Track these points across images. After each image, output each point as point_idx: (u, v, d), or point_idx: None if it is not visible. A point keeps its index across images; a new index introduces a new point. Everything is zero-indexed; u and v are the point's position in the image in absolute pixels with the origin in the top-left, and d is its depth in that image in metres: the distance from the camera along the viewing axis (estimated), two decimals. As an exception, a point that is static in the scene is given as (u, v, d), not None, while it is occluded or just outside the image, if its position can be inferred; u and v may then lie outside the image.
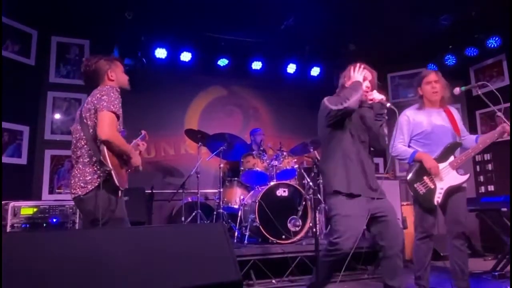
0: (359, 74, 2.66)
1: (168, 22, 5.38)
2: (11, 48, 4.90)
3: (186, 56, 5.85)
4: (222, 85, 6.59)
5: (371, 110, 2.69)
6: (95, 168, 2.39)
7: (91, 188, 2.37)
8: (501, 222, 4.26)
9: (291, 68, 6.38)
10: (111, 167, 2.33)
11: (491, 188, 5.83)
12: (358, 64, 2.73)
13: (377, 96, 2.60)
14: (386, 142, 2.71)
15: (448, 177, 2.99)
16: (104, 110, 2.33)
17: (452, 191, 2.99)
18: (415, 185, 3.03)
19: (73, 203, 4.88)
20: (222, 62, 6.05)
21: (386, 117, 2.60)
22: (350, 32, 5.88)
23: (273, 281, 3.87)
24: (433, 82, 3.12)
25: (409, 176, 3.07)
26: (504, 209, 4.17)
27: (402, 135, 3.18)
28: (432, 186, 2.99)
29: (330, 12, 5.27)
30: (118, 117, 2.41)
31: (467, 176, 3.02)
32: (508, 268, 4.00)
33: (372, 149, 2.74)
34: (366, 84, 2.66)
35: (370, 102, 2.64)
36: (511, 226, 3.97)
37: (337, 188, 2.54)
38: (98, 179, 2.36)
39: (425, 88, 3.16)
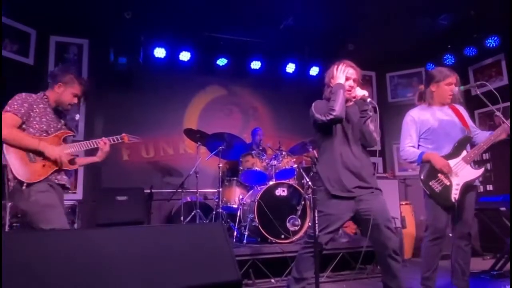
0: (342, 74, 2.68)
1: (167, 21, 5.38)
2: (10, 48, 4.90)
3: (185, 56, 5.85)
4: (221, 85, 6.59)
5: (356, 107, 2.70)
6: None
7: (12, 185, 2.53)
8: (500, 222, 4.27)
9: (290, 67, 6.38)
10: (7, 161, 2.48)
11: (489, 187, 5.85)
12: (341, 63, 2.73)
13: (359, 92, 2.62)
14: (376, 138, 2.65)
15: (463, 172, 2.94)
16: (2, 112, 2.55)
17: (467, 188, 2.95)
18: (430, 183, 2.95)
19: (72, 203, 4.93)
20: (221, 61, 6.05)
21: (371, 113, 2.59)
22: (349, 32, 5.89)
23: (272, 280, 3.87)
24: (453, 84, 3.07)
25: (423, 174, 3.00)
26: (503, 209, 4.17)
27: (410, 136, 3.11)
28: (448, 183, 2.93)
29: (329, 12, 5.28)
30: (17, 116, 2.56)
31: (481, 170, 2.98)
32: (507, 267, 4.01)
33: (364, 145, 2.72)
34: (349, 83, 2.68)
35: (354, 99, 2.68)
36: (511, 226, 3.97)
37: (323, 186, 2.67)
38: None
39: (444, 87, 3.07)
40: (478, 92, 3.05)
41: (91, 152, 3.08)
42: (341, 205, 2.61)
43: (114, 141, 2.98)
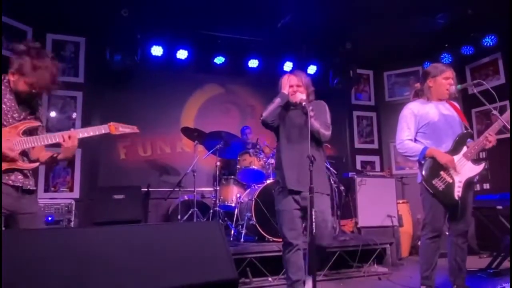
0: (286, 83, 3.02)
1: (164, 19, 5.36)
2: (6, 45, 4.86)
3: (182, 54, 5.83)
4: (219, 83, 6.57)
5: (299, 110, 2.96)
6: None
7: None
8: (497, 220, 4.28)
9: (288, 66, 6.36)
10: None
11: (486, 186, 5.86)
12: (288, 74, 3.11)
13: (297, 97, 2.92)
14: (325, 133, 2.89)
15: (465, 169, 2.93)
16: None
17: (467, 185, 2.95)
18: (433, 182, 2.92)
19: (68, 202, 4.91)
20: (219, 60, 6.04)
21: (311, 113, 2.77)
22: (347, 31, 5.89)
23: (269, 279, 3.87)
24: (451, 78, 3.09)
25: (425, 173, 2.96)
26: (500, 207, 4.19)
27: (408, 129, 3.09)
28: (451, 181, 2.91)
29: (327, 11, 5.28)
30: None
31: (482, 166, 2.99)
32: (503, 265, 4.02)
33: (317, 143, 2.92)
34: (293, 88, 3.01)
35: (295, 103, 2.95)
36: (511, 226, 3.97)
37: (276, 183, 3.02)
38: None
39: (441, 82, 3.08)
40: (475, 91, 3.05)
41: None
42: (290, 201, 2.86)
43: (97, 132, 2.46)
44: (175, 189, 5.23)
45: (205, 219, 4.90)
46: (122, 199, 4.96)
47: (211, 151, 4.95)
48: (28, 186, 2.36)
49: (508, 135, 2.91)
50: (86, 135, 2.43)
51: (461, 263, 2.99)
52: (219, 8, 5.14)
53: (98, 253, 1.57)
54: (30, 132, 2.37)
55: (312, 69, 6.47)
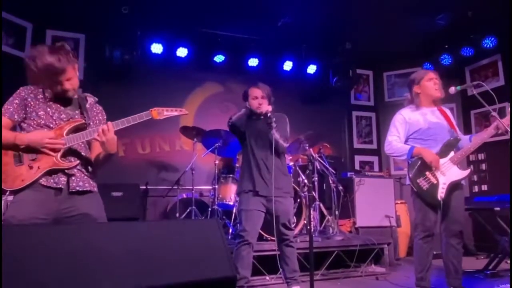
0: (250, 98, 3.34)
1: (164, 17, 5.36)
2: (5, 41, 4.86)
3: (182, 52, 5.81)
4: (218, 82, 6.56)
5: (263, 120, 3.22)
6: None
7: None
8: (494, 222, 4.29)
9: (288, 65, 6.36)
10: None
11: (484, 187, 5.87)
12: (250, 88, 3.40)
13: (263, 108, 3.20)
14: (283, 144, 3.27)
15: (450, 172, 3.00)
16: None
17: (453, 188, 3.00)
18: (418, 181, 3.02)
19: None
20: (219, 58, 6.02)
21: (274, 125, 3.13)
22: (347, 30, 5.89)
23: (267, 277, 3.88)
24: (435, 78, 3.15)
25: (411, 172, 3.05)
26: (497, 209, 4.20)
27: (398, 133, 3.18)
28: (435, 181, 2.98)
29: (327, 10, 5.28)
30: (5, 116, 2.18)
31: (468, 171, 3.05)
32: (501, 267, 4.03)
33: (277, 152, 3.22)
34: (258, 101, 3.28)
35: (261, 114, 3.21)
36: (511, 228, 3.98)
37: (241, 188, 3.29)
38: None
39: (426, 85, 3.16)
40: (475, 92, 3.07)
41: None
42: (256, 201, 3.18)
43: (137, 120, 2.46)
44: (174, 187, 5.23)
45: (203, 217, 4.89)
46: (120, 197, 4.95)
47: (210, 149, 4.94)
48: (77, 188, 2.26)
49: (506, 137, 2.93)
50: (124, 125, 2.37)
51: (456, 264, 3.01)
52: (220, 6, 5.14)
53: (95, 250, 1.57)
54: (76, 131, 2.30)
55: (312, 69, 6.46)
